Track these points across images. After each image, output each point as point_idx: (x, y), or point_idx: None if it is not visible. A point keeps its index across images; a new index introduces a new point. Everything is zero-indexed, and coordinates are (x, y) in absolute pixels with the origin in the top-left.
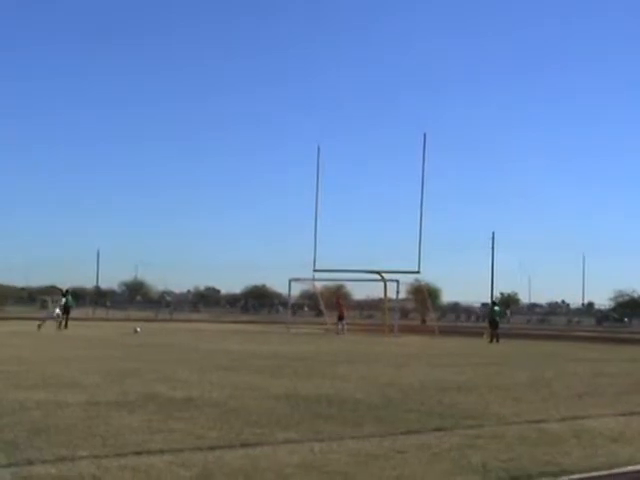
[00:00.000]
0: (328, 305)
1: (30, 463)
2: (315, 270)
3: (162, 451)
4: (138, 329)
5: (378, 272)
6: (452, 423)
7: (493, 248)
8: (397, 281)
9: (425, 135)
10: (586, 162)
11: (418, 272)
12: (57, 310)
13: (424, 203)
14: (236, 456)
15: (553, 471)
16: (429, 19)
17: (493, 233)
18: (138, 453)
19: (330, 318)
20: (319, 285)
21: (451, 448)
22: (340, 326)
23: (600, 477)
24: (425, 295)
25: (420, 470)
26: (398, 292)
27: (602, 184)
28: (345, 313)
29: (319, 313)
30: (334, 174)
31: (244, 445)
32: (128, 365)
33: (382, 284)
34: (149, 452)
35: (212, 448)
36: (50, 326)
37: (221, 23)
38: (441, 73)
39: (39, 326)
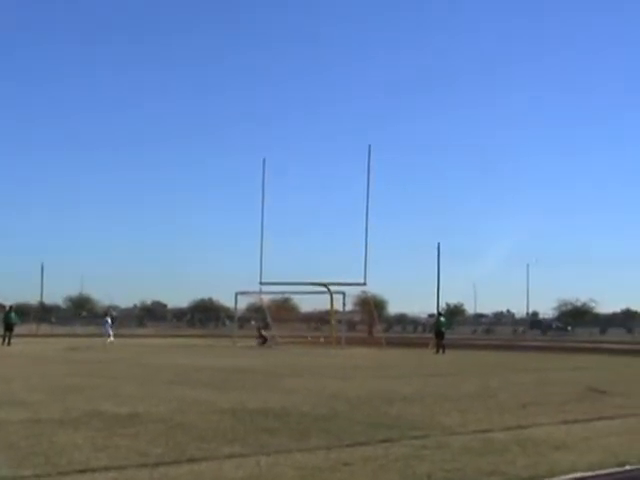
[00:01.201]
0: (275, 318)
1: None
2: (261, 283)
3: (107, 468)
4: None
5: (324, 284)
6: (398, 434)
7: (439, 259)
8: (343, 293)
9: (370, 146)
10: (528, 171)
11: (364, 284)
12: (108, 329)
13: (369, 214)
14: (181, 472)
15: None
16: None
17: (438, 244)
18: (82, 471)
19: (278, 331)
20: (266, 298)
21: (397, 459)
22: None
23: None
24: (372, 307)
25: None
26: (344, 304)
27: (544, 193)
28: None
29: (266, 326)
30: (277, 185)
31: (190, 460)
32: (73, 381)
33: (329, 296)
34: (93, 470)
35: (157, 464)
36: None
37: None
38: (387, 84)
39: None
